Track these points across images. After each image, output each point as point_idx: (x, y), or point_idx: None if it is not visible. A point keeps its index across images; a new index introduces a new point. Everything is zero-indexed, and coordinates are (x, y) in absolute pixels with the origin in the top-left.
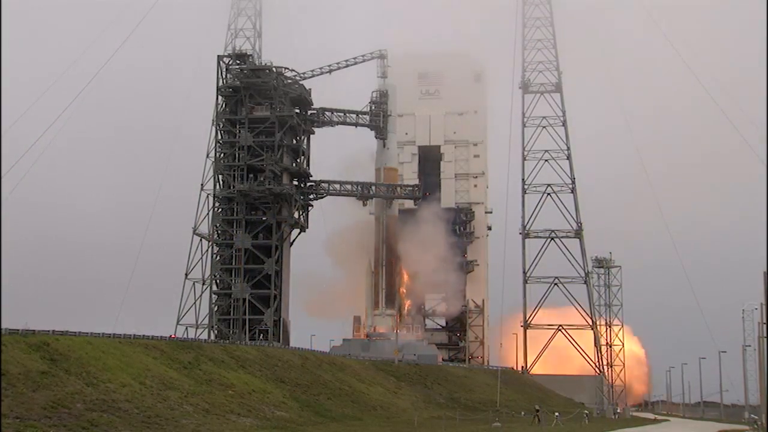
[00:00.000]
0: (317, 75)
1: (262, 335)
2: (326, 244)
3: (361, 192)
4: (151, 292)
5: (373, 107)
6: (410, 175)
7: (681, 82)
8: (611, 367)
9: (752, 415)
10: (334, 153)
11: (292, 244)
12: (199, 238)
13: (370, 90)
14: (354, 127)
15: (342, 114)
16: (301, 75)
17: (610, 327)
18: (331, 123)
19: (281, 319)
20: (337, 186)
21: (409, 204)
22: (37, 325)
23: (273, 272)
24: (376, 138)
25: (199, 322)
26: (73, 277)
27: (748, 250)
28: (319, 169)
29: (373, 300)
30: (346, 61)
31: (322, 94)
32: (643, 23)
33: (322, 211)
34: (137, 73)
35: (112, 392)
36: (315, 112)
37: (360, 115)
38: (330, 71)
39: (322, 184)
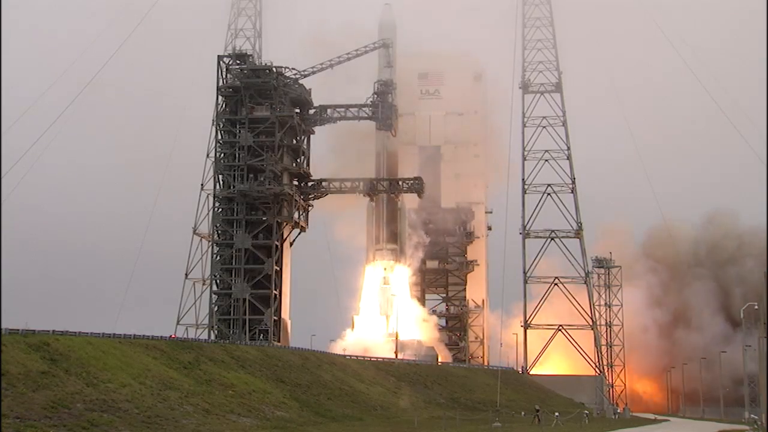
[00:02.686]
0: (318, 71)
1: (262, 335)
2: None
3: (362, 188)
4: (151, 292)
5: (376, 98)
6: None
7: (681, 82)
8: (611, 367)
9: (752, 415)
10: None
11: (292, 244)
12: (199, 238)
13: (374, 83)
14: (356, 121)
15: (343, 110)
16: (302, 73)
17: (610, 327)
18: (331, 120)
19: (281, 319)
20: (338, 183)
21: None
22: (37, 325)
23: (273, 272)
24: (377, 129)
25: (199, 322)
26: (73, 277)
27: None
28: (319, 157)
29: (374, 235)
30: (347, 54)
31: (324, 92)
32: (643, 23)
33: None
34: (137, 73)
35: (112, 392)
36: (316, 110)
37: (361, 109)
38: (331, 66)
39: (323, 183)
